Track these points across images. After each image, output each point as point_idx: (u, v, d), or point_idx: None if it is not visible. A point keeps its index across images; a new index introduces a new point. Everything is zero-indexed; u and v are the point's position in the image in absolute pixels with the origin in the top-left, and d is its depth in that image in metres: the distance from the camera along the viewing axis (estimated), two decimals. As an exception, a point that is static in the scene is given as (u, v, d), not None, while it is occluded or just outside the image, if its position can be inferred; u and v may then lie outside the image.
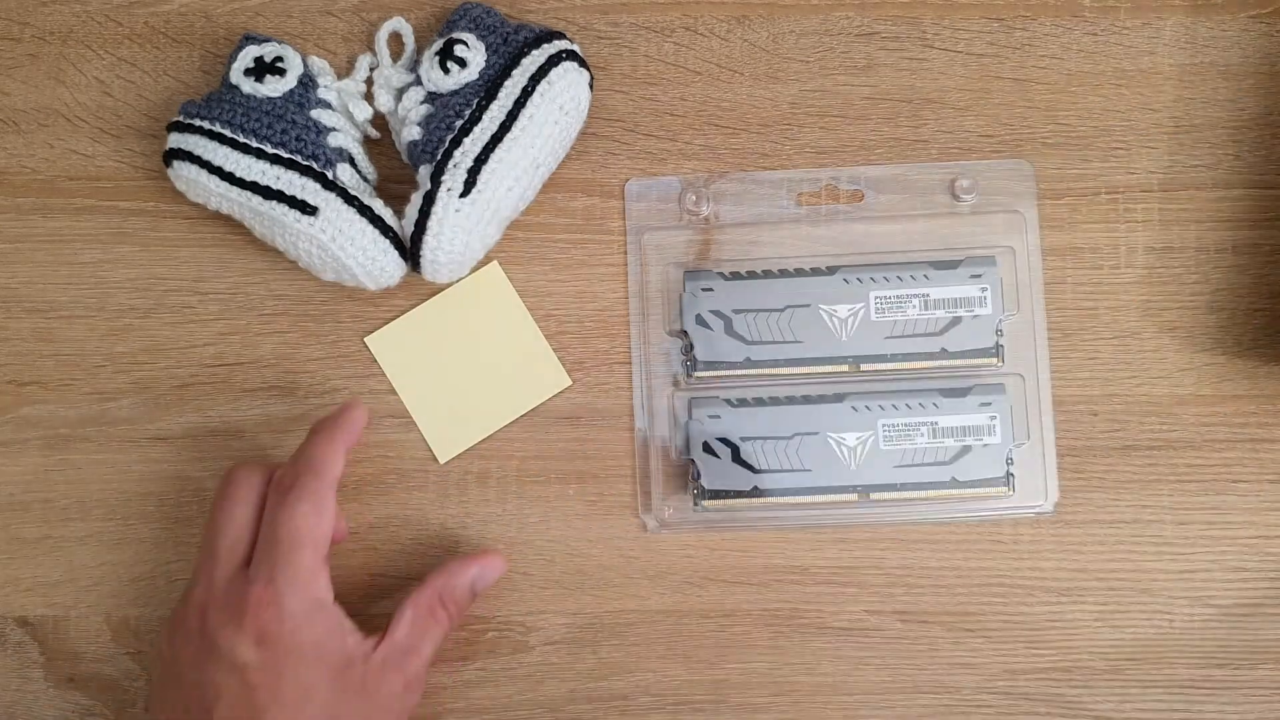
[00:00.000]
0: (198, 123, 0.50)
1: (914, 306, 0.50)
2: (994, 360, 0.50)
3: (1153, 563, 0.49)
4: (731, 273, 0.50)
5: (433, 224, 0.48)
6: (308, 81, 0.51)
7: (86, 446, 0.51)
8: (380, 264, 0.49)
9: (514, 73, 0.49)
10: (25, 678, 0.51)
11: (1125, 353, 0.50)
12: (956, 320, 0.50)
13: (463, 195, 0.48)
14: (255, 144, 0.49)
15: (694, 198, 0.51)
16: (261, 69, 0.50)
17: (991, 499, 0.49)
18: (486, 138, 0.48)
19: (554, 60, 0.49)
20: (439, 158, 0.48)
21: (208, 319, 0.52)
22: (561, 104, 0.49)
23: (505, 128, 0.48)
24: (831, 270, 0.50)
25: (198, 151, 0.49)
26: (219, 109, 0.50)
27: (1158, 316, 0.50)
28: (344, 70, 0.53)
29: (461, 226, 0.48)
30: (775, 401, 0.50)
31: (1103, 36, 0.52)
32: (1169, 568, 0.49)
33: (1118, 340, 0.50)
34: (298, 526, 0.43)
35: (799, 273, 0.50)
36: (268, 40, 0.51)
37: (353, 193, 0.49)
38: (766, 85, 0.52)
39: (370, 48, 0.53)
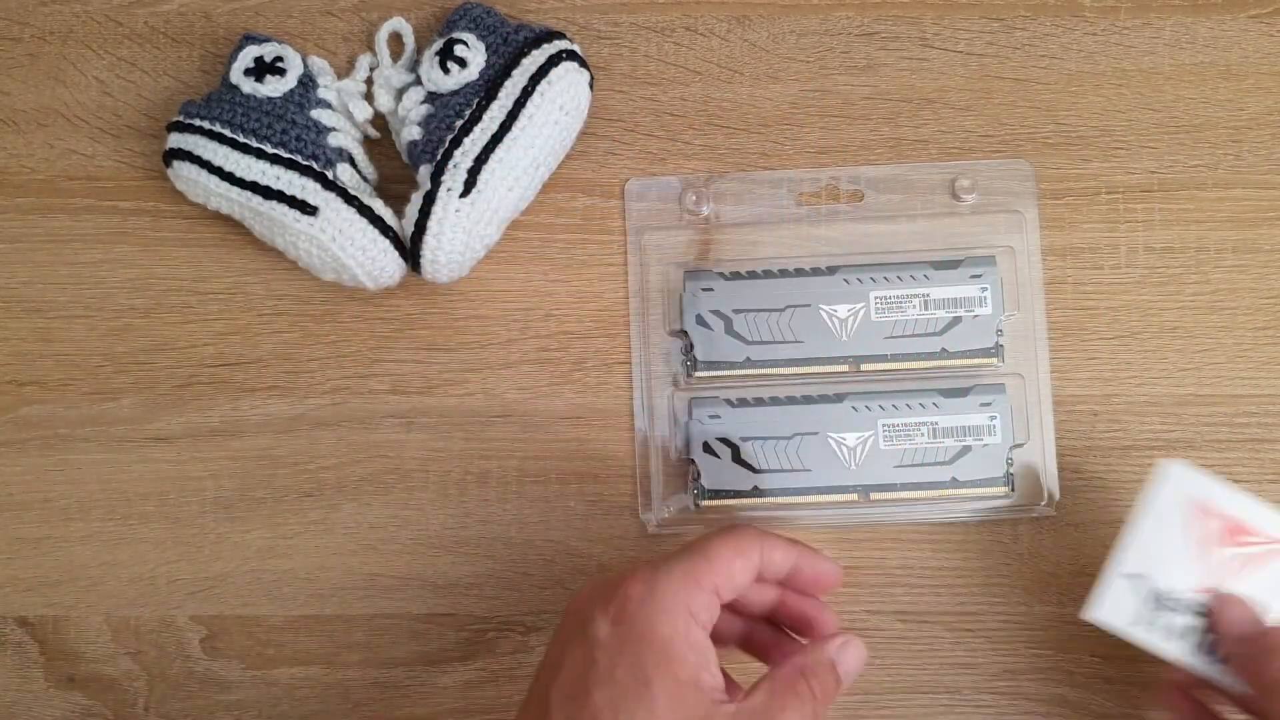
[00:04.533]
0: (198, 122, 0.50)
1: (914, 306, 0.50)
2: (994, 360, 0.50)
3: (1153, 563, 0.49)
4: (731, 272, 0.50)
5: (433, 224, 0.48)
6: (308, 81, 0.51)
7: (86, 446, 0.51)
8: (380, 264, 0.49)
9: (514, 73, 0.49)
10: (25, 678, 0.51)
11: (1125, 353, 0.50)
12: (957, 320, 0.50)
13: (463, 195, 0.48)
14: (255, 144, 0.49)
15: (694, 197, 0.51)
16: (261, 69, 0.50)
17: (991, 499, 0.49)
18: (486, 138, 0.48)
19: (554, 60, 0.49)
20: (439, 158, 0.48)
21: (208, 319, 0.52)
22: (561, 104, 0.49)
23: (505, 128, 0.48)
24: (831, 270, 0.50)
25: (198, 151, 0.49)
26: (219, 109, 0.50)
27: (1158, 316, 0.50)
28: (344, 70, 0.53)
29: (461, 226, 0.48)
30: (775, 401, 0.50)
31: (1103, 36, 0.52)
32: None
33: (1118, 340, 0.50)
34: (710, 542, 0.41)
35: (799, 273, 0.50)
36: (268, 40, 0.51)
37: (353, 193, 0.49)
38: (767, 85, 0.52)
39: (370, 48, 0.53)
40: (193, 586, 0.51)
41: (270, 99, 0.50)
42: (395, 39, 0.53)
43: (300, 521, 0.51)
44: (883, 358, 0.50)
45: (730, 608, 0.43)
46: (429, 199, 0.48)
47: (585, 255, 0.52)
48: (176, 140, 0.49)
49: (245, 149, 0.49)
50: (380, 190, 0.52)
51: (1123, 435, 0.50)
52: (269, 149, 0.49)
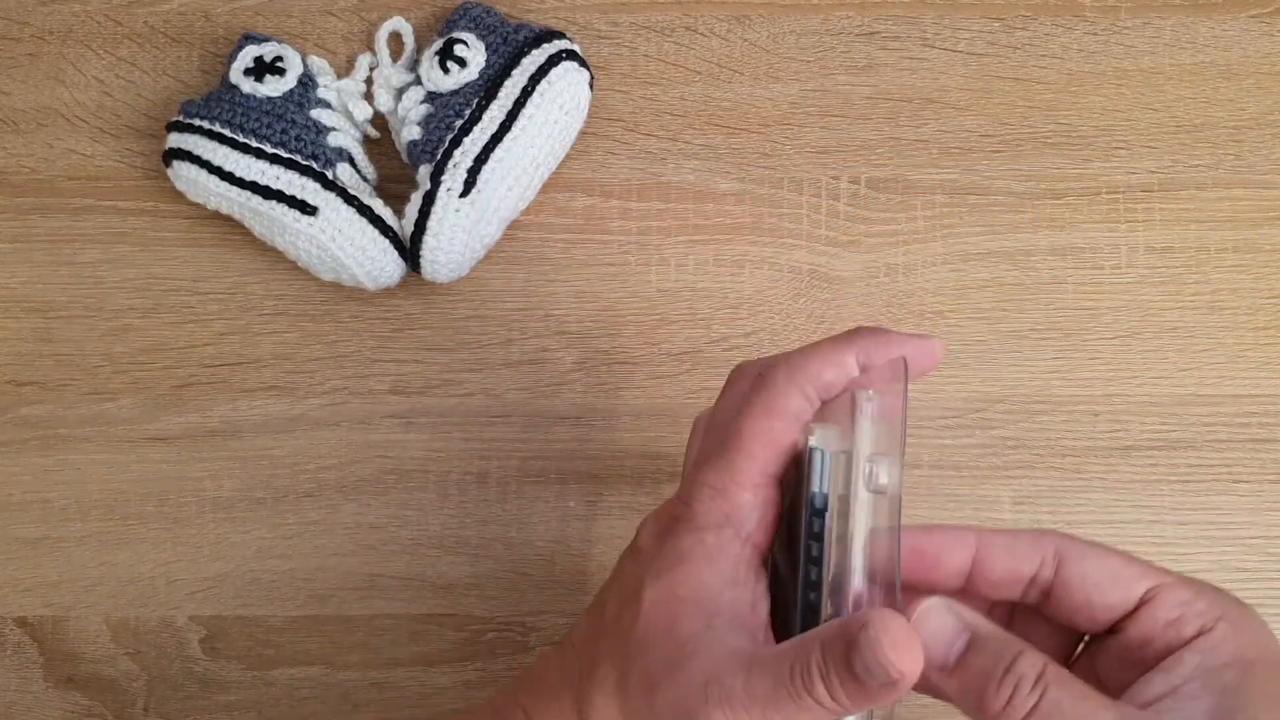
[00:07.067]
0: (197, 122, 0.50)
1: None
2: None
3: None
4: None
5: (432, 224, 0.48)
6: (307, 81, 0.51)
7: (85, 446, 0.51)
8: (380, 264, 0.49)
9: (514, 72, 0.49)
10: (25, 678, 0.50)
11: (1125, 353, 0.50)
12: None
13: (462, 195, 0.48)
14: (255, 144, 0.49)
15: None
16: (261, 69, 0.50)
17: None
18: (486, 137, 0.48)
19: (554, 60, 0.49)
20: (439, 157, 0.48)
21: (207, 319, 0.52)
22: (561, 104, 0.49)
23: (505, 127, 0.48)
24: None
25: (197, 151, 0.49)
26: (219, 109, 0.50)
27: (1158, 316, 0.50)
28: (344, 70, 0.53)
29: (461, 226, 0.48)
30: None
31: (1103, 36, 0.52)
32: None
33: (1118, 340, 0.50)
34: (740, 426, 0.35)
35: None
36: (267, 40, 0.51)
37: (352, 192, 0.49)
38: (767, 85, 0.52)
39: (370, 47, 0.53)
40: (192, 587, 0.51)
41: (270, 99, 0.50)
42: (395, 39, 0.53)
43: (300, 521, 0.51)
44: None
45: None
46: (429, 199, 0.48)
47: (585, 255, 0.52)
48: (176, 140, 0.49)
49: (245, 149, 0.49)
50: (380, 190, 0.52)
51: (1123, 435, 0.50)
52: (269, 149, 0.49)
